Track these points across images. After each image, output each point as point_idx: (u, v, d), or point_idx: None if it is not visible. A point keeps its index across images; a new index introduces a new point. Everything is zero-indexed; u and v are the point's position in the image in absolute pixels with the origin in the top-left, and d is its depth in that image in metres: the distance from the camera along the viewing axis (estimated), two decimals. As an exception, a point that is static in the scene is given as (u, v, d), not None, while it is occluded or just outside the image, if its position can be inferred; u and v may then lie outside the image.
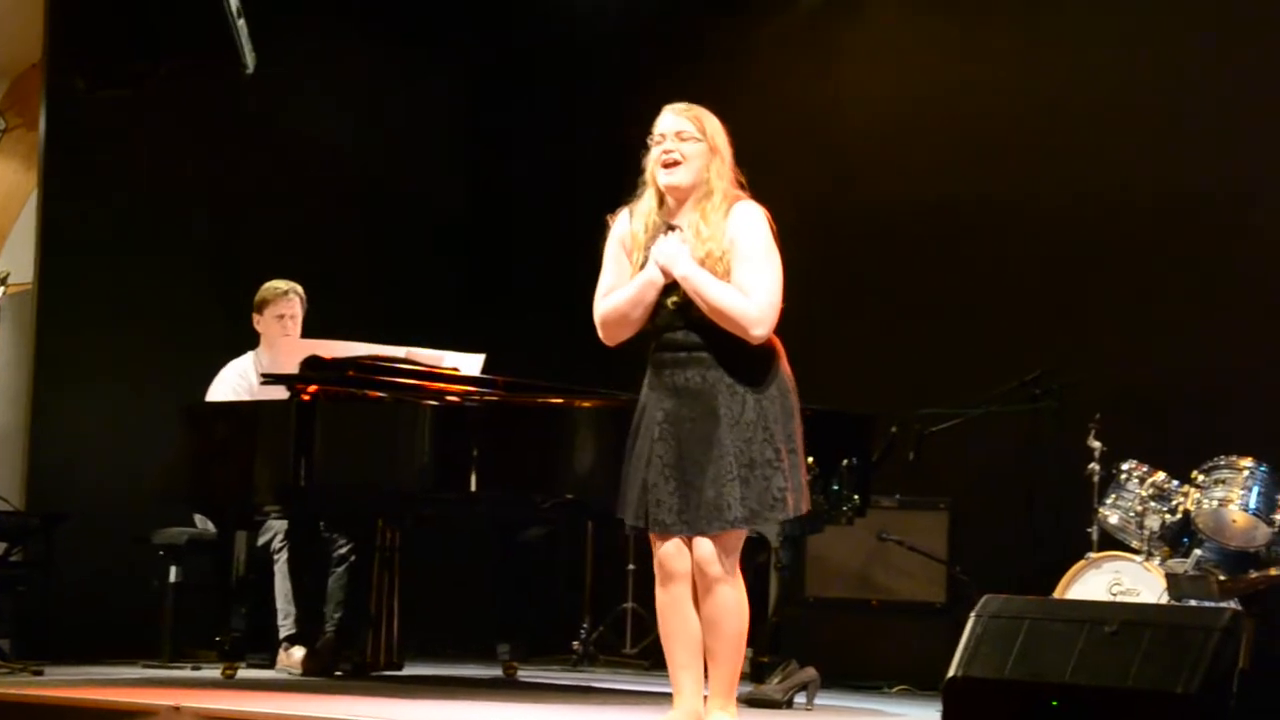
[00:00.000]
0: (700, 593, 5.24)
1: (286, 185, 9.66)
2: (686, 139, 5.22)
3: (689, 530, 5.22)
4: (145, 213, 9.01)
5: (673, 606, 5.29)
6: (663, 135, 5.24)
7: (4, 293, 8.25)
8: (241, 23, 4.76)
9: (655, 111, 5.37)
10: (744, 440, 5.18)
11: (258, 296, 8.05)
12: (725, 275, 5.15)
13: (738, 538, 5.26)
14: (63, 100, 8.58)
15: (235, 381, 7.93)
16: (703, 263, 5.15)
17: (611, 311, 5.32)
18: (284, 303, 8.00)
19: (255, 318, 8.04)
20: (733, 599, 5.23)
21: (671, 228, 5.22)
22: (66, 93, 8.50)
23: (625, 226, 5.36)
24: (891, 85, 9.76)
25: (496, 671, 7.96)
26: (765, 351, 5.28)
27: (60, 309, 8.75)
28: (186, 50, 4.78)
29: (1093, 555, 7.65)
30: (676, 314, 5.25)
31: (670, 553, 5.27)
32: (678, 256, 5.17)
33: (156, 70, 4.93)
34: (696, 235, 5.19)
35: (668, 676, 5.34)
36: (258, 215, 9.48)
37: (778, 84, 10.11)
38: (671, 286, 5.21)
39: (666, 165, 5.23)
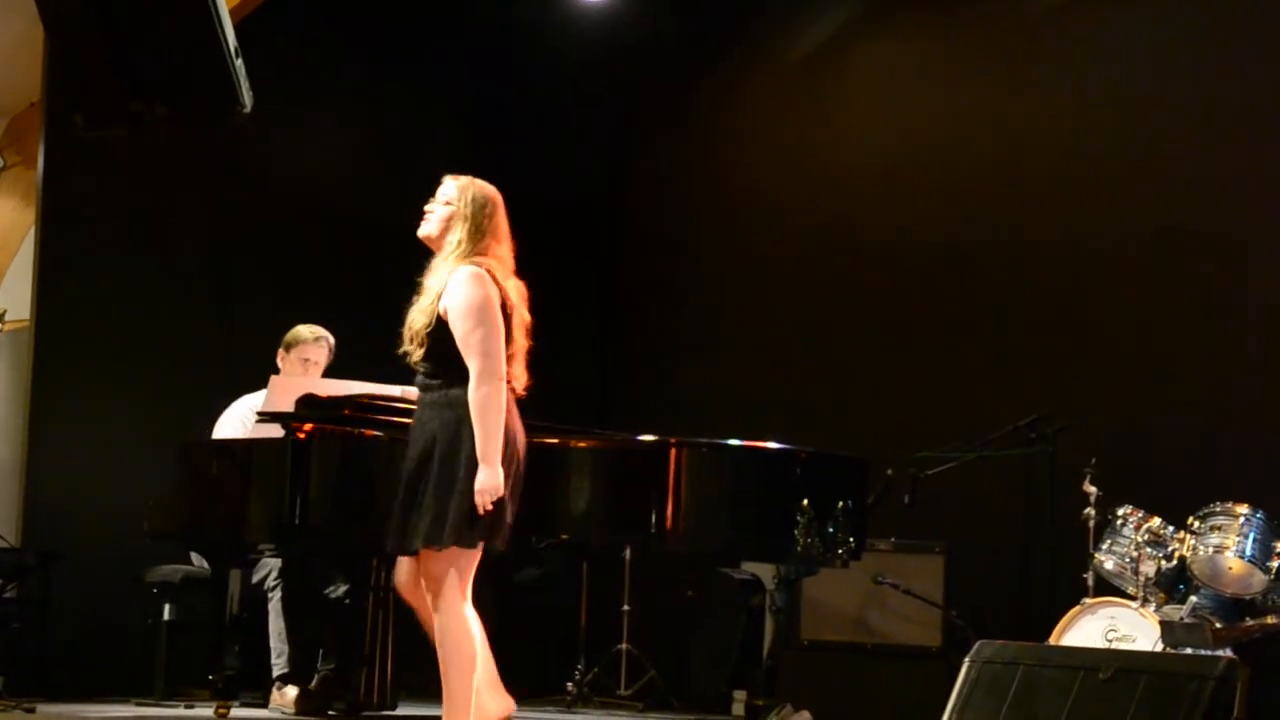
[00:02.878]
0: None
1: (283, 223, 9.66)
2: (442, 202, 5.84)
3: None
4: (142, 250, 9.02)
5: None
6: (431, 200, 5.90)
7: (1, 329, 8.26)
8: (239, 62, 4.77)
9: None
10: (418, 476, 5.69)
11: (288, 336, 8.05)
12: (426, 327, 5.66)
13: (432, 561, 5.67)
14: (61, 138, 8.60)
15: (245, 415, 7.91)
16: (416, 317, 5.70)
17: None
18: (312, 348, 8.01)
19: (280, 354, 8.05)
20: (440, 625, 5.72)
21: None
22: (65, 131, 8.49)
23: None
24: (884, 131, 9.81)
25: (490, 712, 7.92)
26: (458, 400, 5.66)
27: (57, 345, 8.74)
28: (183, 90, 4.78)
29: (1088, 601, 7.63)
30: None
31: None
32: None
33: (153, 109, 4.93)
34: (425, 292, 5.74)
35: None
36: (255, 253, 9.49)
37: (771, 131, 10.16)
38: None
39: (423, 221, 5.86)
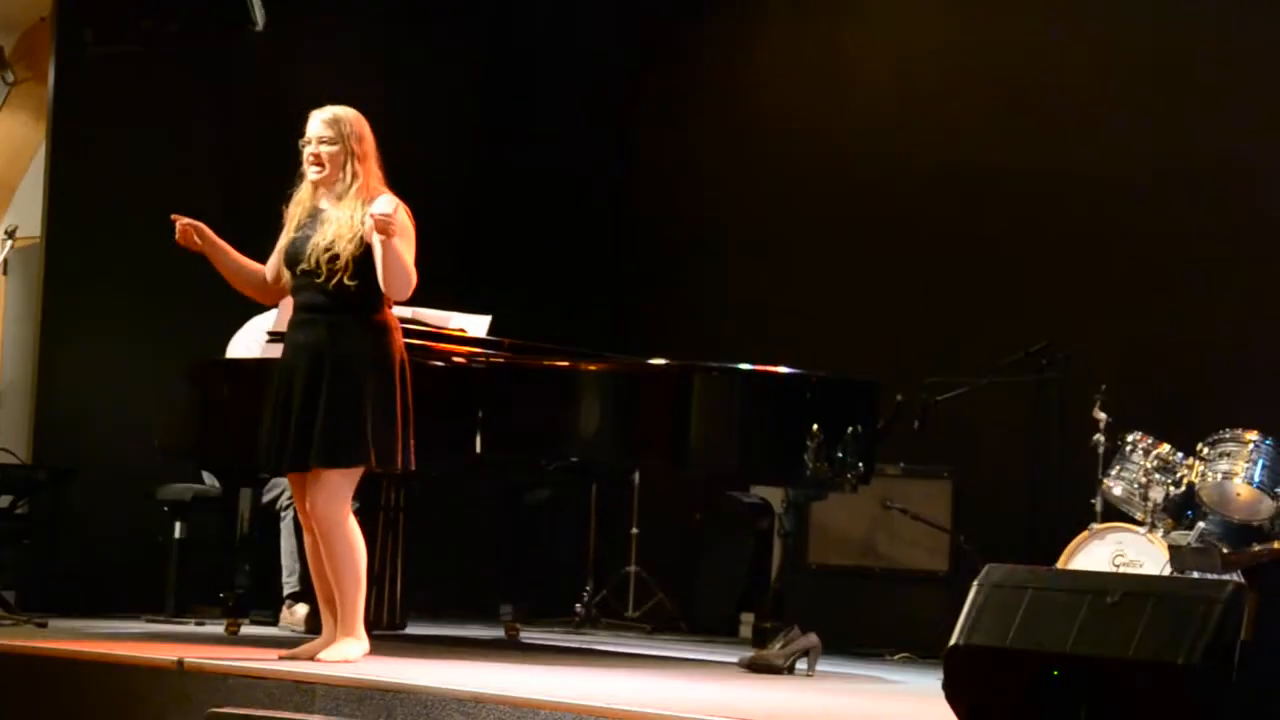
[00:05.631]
0: None
1: (293, 146, 9.61)
2: (324, 142, 6.14)
3: None
4: (153, 167, 8.97)
5: None
6: (307, 139, 6.20)
7: (12, 246, 8.24)
8: (252, -20, 4.76)
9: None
10: (316, 392, 6.05)
11: None
12: (354, 253, 5.99)
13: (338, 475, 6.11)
14: (72, 54, 8.55)
15: (257, 335, 7.88)
16: (335, 241, 6.00)
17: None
18: None
19: None
20: None
21: (320, 210, 6.14)
22: (76, 47, 8.48)
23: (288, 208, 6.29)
24: (904, 49, 9.75)
25: (498, 632, 7.97)
26: (381, 323, 6.14)
27: (68, 263, 8.74)
28: (196, 7, 4.79)
29: (1096, 526, 7.66)
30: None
31: None
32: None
33: (165, 27, 4.93)
34: (335, 220, 6.05)
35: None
36: (267, 172, 9.42)
37: (790, 46, 10.09)
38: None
39: (311, 164, 6.18)
